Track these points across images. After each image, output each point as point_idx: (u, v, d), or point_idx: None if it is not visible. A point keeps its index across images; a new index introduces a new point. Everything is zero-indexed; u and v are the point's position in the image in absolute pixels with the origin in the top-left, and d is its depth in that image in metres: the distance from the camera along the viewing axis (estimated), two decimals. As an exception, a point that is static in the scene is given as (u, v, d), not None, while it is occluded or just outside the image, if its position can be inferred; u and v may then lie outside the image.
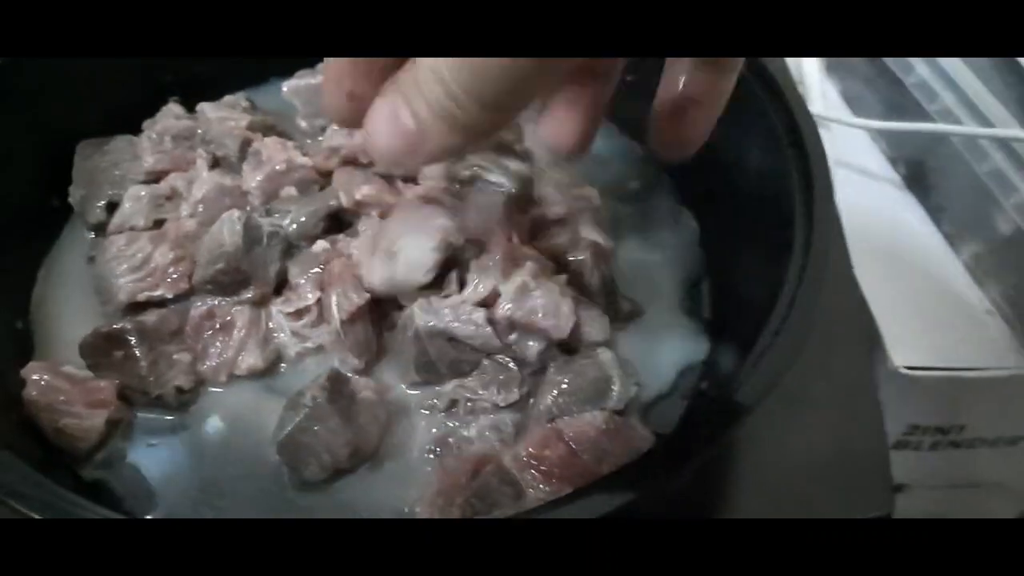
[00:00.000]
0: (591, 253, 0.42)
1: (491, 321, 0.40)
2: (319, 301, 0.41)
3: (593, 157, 0.51)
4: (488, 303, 0.40)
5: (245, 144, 0.48)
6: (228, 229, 0.41)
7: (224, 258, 0.40)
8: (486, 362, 0.40)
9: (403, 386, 0.41)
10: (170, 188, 0.47)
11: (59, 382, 0.38)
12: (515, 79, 0.26)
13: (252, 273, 0.41)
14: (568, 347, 0.41)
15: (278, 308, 0.42)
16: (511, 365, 0.40)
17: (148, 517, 0.37)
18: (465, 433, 0.39)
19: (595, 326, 0.41)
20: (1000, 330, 0.55)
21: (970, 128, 0.58)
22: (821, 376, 0.47)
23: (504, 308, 0.39)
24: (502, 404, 0.40)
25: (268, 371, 0.41)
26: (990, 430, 0.56)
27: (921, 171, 0.63)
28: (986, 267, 0.58)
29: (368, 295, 0.40)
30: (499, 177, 0.42)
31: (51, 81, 0.47)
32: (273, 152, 0.46)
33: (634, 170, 0.52)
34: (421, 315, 0.39)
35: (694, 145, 0.37)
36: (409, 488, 0.38)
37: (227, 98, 0.51)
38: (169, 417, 0.40)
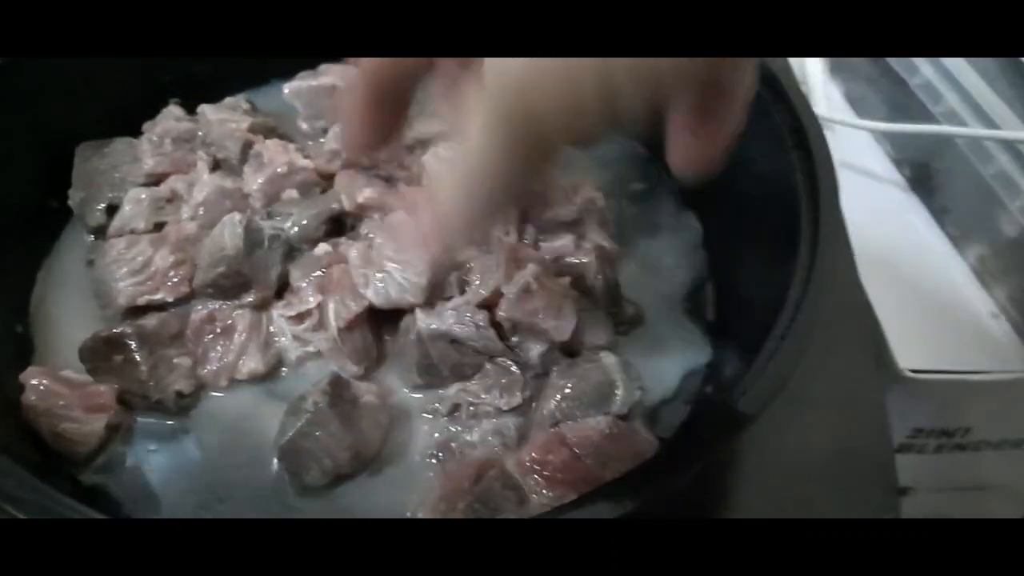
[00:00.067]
0: (596, 256, 0.42)
1: (493, 323, 0.39)
2: (320, 305, 0.41)
3: (596, 159, 0.51)
4: (490, 304, 0.40)
5: (246, 146, 0.47)
6: (229, 232, 0.40)
7: (225, 262, 0.40)
8: (489, 366, 0.40)
9: (405, 390, 0.41)
10: (170, 191, 0.46)
11: (58, 387, 0.38)
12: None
13: (253, 277, 0.41)
14: (571, 351, 0.41)
15: (279, 312, 0.41)
16: (513, 368, 0.40)
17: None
18: (468, 438, 0.39)
19: (598, 330, 0.41)
20: (1005, 333, 0.55)
21: (975, 130, 0.58)
22: (825, 379, 0.47)
23: (505, 309, 0.39)
24: (505, 408, 0.40)
25: (269, 375, 0.41)
26: (995, 433, 0.56)
27: (926, 173, 0.62)
28: (991, 269, 0.57)
29: (366, 302, 0.40)
30: None
31: (50, 82, 0.46)
32: (274, 154, 0.46)
33: (637, 172, 0.52)
34: (423, 318, 0.39)
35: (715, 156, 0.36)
36: (411, 493, 0.38)
37: (228, 100, 0.51)
38: (169, 422, 0.40)
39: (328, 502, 0.38)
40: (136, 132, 0.49)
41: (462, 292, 0.40)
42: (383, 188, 0.44)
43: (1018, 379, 0.53)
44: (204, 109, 0.49)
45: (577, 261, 0.42)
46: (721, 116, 0.32)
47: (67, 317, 0.44)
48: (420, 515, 0.37)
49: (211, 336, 0.41)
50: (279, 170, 0.45)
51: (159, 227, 0.45)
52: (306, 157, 0.47)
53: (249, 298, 0.41)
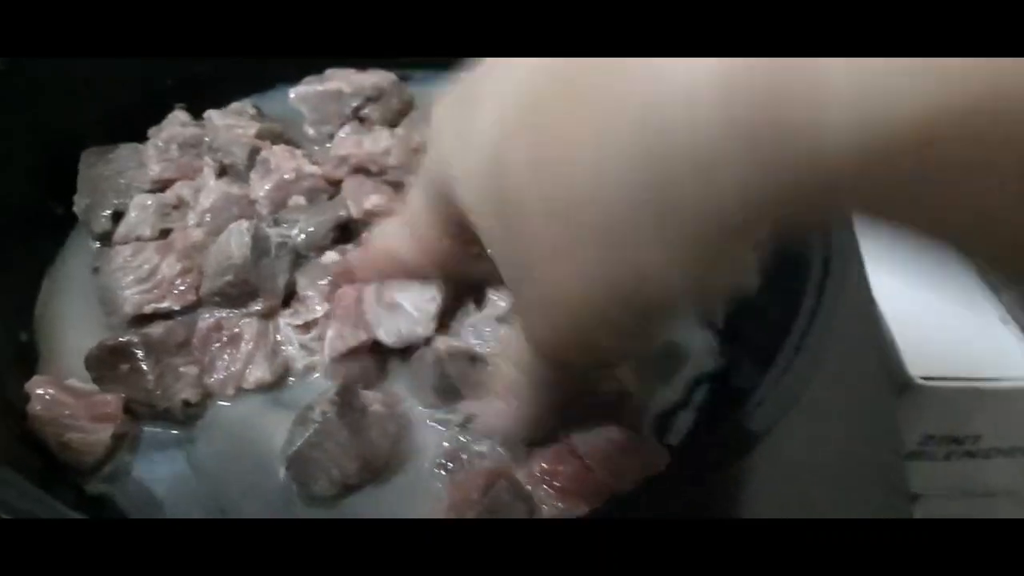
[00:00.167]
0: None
1: None
2: (326, 315, 0.40)
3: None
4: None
5: (253, 152, 0.47)
6: (236, 241, 0.40)
7: (232, 270, 0.40)
8: None
9: (416, 404, 0.40)
10: (176, 197, 0.46)
11: (64, 396, 0.38)
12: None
13: (260, 285, 0.41)
14: None
15: (286, 320, 0.41)
16: None
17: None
18: (476, 448, 0.38)
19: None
20: (1015, 339, 0.55)
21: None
22: (836, 385, 0.46)
23: None
24: None
25: (276, 384, 0.41)
26: (1005, 440, 0.56)
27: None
28: (1001, 276, 0.57)
29: (363, 336, 0.39)
30: None
31: (54, 88, 0.46)
32: (281, 160, 0.46)
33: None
34: (440, 339, 0.39)
35: None
36: (419, 503, 0.37)
37: (234, 105, 0.51)
38: (175, 431, 0.40)
39: (336, 512, 0.37)
40: (142, 138, 0.49)
41: (479, 306, 0.40)
42: (391, 195, 0.44)
43: (1028, 386, 0.52)
44: (210, 114, 0.49)
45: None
46: None
47: (72, 325, 0.44)
48: (429, 526, 0.36)
49: (218, 345, 0.40)
50: (286, 176, 0.45)
51: (165, 234, 0.45)
52: (313, 163, 0.47)
53: (256, 307, 0.41)
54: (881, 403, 0.49)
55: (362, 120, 0.51)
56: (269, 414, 0.40)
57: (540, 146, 0.24)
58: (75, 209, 0.47)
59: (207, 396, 0.40)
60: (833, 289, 0.37)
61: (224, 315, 0.41)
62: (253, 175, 0.46)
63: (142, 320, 0.41)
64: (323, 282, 0.41)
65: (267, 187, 0.45)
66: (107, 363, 0.39)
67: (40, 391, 0.38)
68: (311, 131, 0.51)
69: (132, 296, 0.41)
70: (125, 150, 0.48)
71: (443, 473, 0.38)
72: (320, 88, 0.51)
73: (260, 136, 0.48)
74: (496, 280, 0.36)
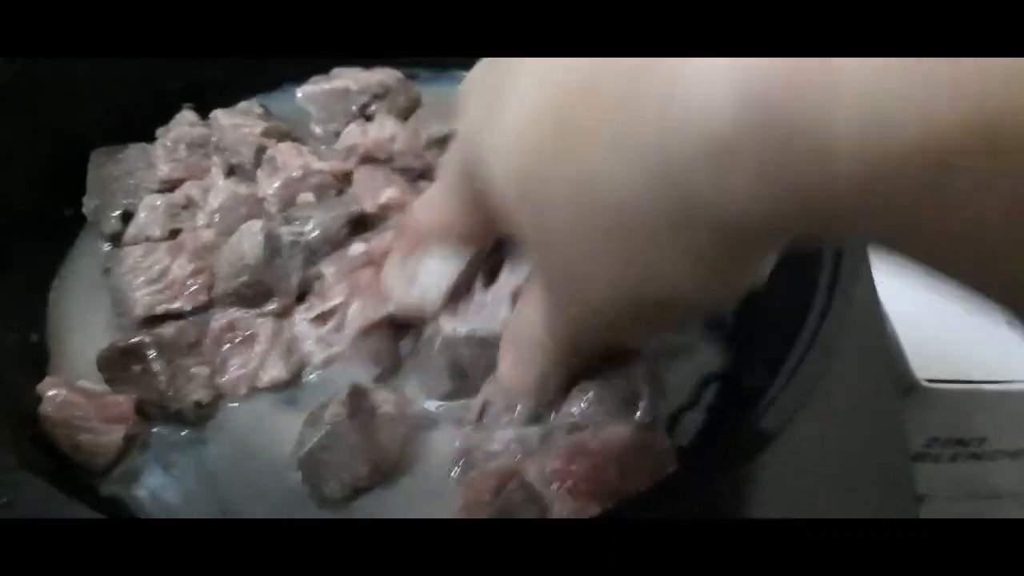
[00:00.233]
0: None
1: None
2: (344, 304, 0.40)
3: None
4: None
5: (259, 151, 0.47)
6: (248, 241, 0.40)
7: (247, 271, 0.40)
8: None
9: (425, 400, 0.40)
10: (185, 197, 0.46)
11: (76, 397, 0.38)
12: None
13: (273, 285, 0.41)
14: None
15: (301, 316, 0.41)
16: None
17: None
18: (488, 447, 0.38)
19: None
20: (1021, 343, 0.55)
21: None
22: (842, 388, 0.46)
23: None
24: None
25: (289, 384, 0.41)
26: (1011, 442, 0.56)
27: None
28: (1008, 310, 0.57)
29: (389, 310, 0.40)
30: None
31: (61, 89, 0.46)
32: (288, 158, 0.46)
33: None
34: (448, 323, 0.38)
35: None
36: (431, 504, 0.37)
37: (241, 104, 0.51)
38: (187, 432, 0.40)
39: (347, 514, 0.37)
40: (149, 138, 0.49)
41: (491, 281, 0.39)
42: (403, 187, 0.44)
43: (1034, 389, 0.52)
44: (217, 114, 0.49)
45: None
46: None
47: (82, 326, 0.44)
48: (441, 527, 0.36)
49: (230, 345, 0.40)
50: (294, 174, 0.45)
51: (175, 234, 0.45)
52: (320, 160, 0.47)
53: (271, 306, 0.41)
54: (887, 405, 0.49)
55: (369, 119, 0.51)
56: (280, 415, 0.40)
57: (565, 142, 0.24)
58: (84, 210, 0.47)
59: (219, 397, 0.40)
60: (844, 288, 0.37)
61: (237, 315, 0.41)
62: (260, 173, 0.46)
63: (153, 321, 0.41)
64: (350, 273, 0.41)
65: (275, 185, 0.45)
66: (119, 364, 0.39)
67: (52, 392, 0.38)
68: (318, 130, 0.51)
69: (143, 297, 0.41)
70: (134, 150, 0.48)
71: (454, 474, 0.38)
72: (327, 87, 0.51)
73: (266, 135, 0.48)
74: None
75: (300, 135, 0.51)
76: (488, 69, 0.30)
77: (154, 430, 0.40)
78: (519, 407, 0.38)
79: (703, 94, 0.21)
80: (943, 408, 0.52)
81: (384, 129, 0.48)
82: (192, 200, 0.46)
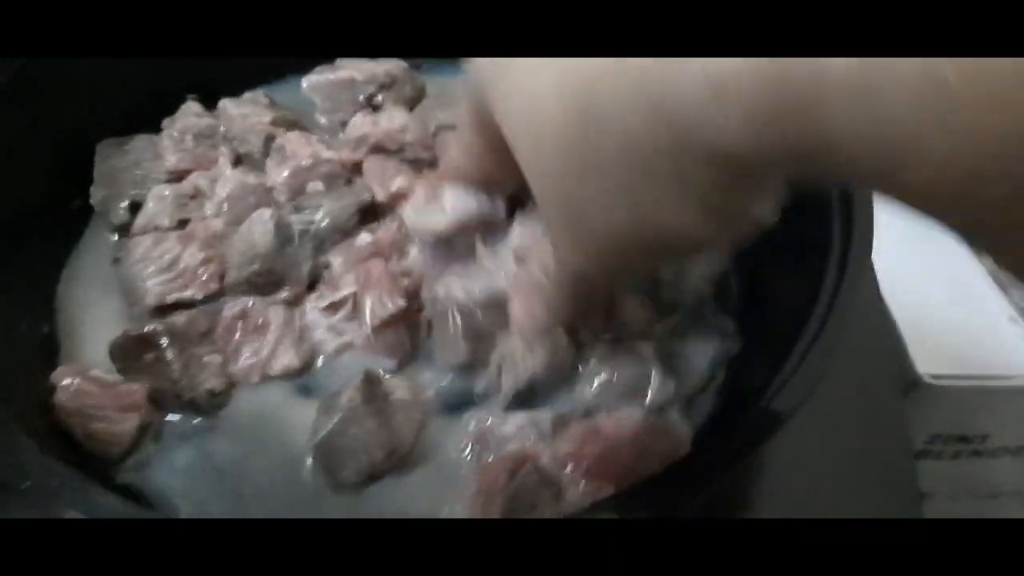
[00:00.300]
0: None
1: None
2: (355, 295, 0.41)
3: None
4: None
5: (268, 140, 0.47)
6: (259, 229, 0.40)
7: (259, 259, 0.40)
8: None
9: (439, 384, 0.40)
10: (193, 187, 0.46)
11: (89, 386, 0.38)
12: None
13: (285, 273, 0.41)
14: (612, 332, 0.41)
15: (312, 304, 0.41)
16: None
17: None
18: (502, 430, 0.39)
19: (636, 312, 0.41)
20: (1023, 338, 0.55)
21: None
22: (845, 384, 0.46)
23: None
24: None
25: (301, 371, 0.41)
26: (1013, 439, 0.56)
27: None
28: (1009, 274, 0.57)
29: (402, 303, 0.40)
30: None
31: (67, 80, 0.46)
32: (297, 147, 0.46)
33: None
34: (458, 285, 0.38)
35: None
36: (446, 489, 0.38)
37: (247, 95, 0.51)
38: (200, 420, 0.40)
39: (362, 499, 0.37)
40: (155, 129, 0.49)
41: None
42: (414, 175, 0.44)
43: (1036, 385, 0.52)
44: (225, 104, 0.49)
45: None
46: None
47: (92, 316, 0.44)
48: (457, 510, 0.36)
49: (242, 333, 0.40)
50: (303, 163, 0.45)
51: (183, 224, 0.45)
52: (329, 148, 0.47)
53: (282, 294, 0.41)
54: (889, 401, 0.50)
55: (376, 108, 0.51)
56: (293, 403, 0.40)
57: (572, 80, 0.25)
58: (92, 201, 0.46)
59: (231, 385, 0.40)
60: (853, 272, 0.37)
61: (250, 303, 0.41)
62: (269, 163, 0.46)
63: (164, 310, 0.41)
64: (358, 263, 0.41)
65: (284, 174, 0.45)
66: (132, 353, 0.39)
67: (66, 382, 0.38)
68: (323, 120, 0.51)
69: (154, 286, 0.41)
70: (140, 141, 0.48)
71: (469, 458, 0.39)
72: (332, 77, 0.51)
73: (275, 124, 0.48)
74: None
75: (306, 125, 0.51)
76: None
77: (167, 418, 0.40)
78: (532, 356, 0.38)
79: (703, 64, 0.22)
80: (946, 404, 0.52)
81: (394, 120, 0.48)
82: (200, 190, 0.46)
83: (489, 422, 0.39)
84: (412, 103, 0.52)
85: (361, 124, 0.47)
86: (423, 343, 0.41)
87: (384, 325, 0.40)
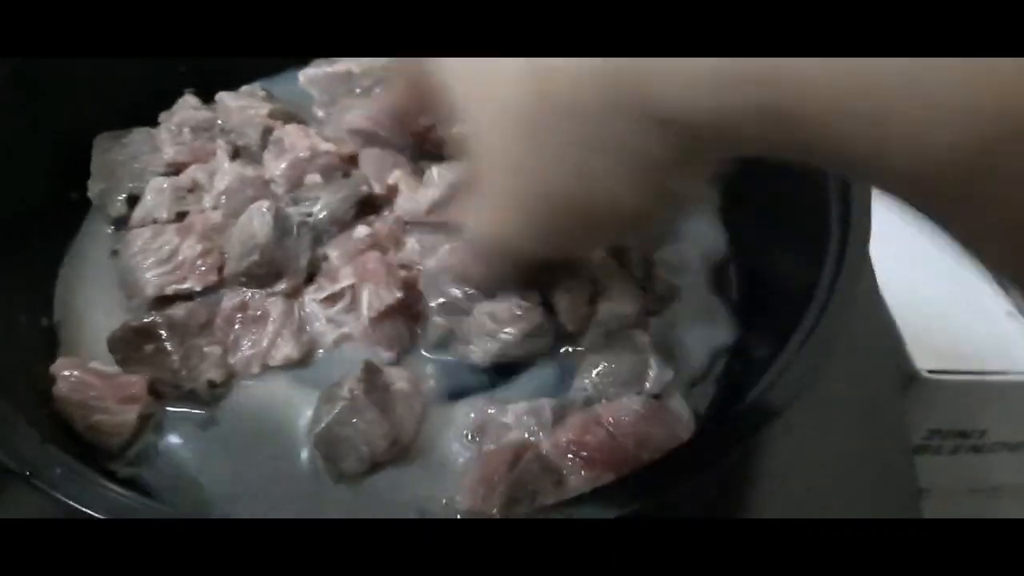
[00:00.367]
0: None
1: None
2: (353, 287, 0.41)
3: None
4: None
5: (266, 132, 0.47)
6: (258, 221, 0.40)
7: (258, 251, 0.40)
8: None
9: (439, 375, 0.41)
10: (191, 180, 0.46)
11: (89, 378, 0.38)
12: None
13: (284, 265, 0.41)
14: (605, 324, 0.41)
15: (311, 296, 0.41)
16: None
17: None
18: (502, 419, 0.39)
19: (627, 299, 0.41)
20: (1022, 333, 0.55)
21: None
22: (843, 379, 0.46)
23: None
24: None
25: (301, 362, 0.41)
26: (1012, 434, 0.56)
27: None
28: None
29: (399, 295, 0.40)
30: None
31: (65, 74, 0.46)
32: (296, 139, 0.46)
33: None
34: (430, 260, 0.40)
35: None
36: (447, 478, 0.38)
37: (244, 88, 0.51)
38: (200, 411, 0.40)
39: (363, 489, 0.38)
40: (152, 122, 0.49)
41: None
42: (411, 166, 0.44)
43: (1034, 380, 0.53)
44: (223, 96, 0.49)
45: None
46: None
47: (91, 309, 0.44)
48: (458, 499, 0.37)
49: (242, 324, 0.40)
50: (301, 155, 0.45)
51: (181, 216, 0.44)
52: (327, 140, 0.47)
53: (281, 286, 0.41)
54: (887, 396, 0.50)
55: (373, 101, 0.51)
56: (294, 393, 0.40)
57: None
58: (89, 194, 0.46)
59: (231, 376, 0.40)
60: (852, 259, 0.37)
61: (249, 295, 0.41)
62: (267, 155, 0.46)
63: (163, 302, 0.41)
64: (355, 255, 0.41)
65: (282, 166, 0.45)
66: (132, 344, 0.39)
67: (66, 373, 0.38)
68: (321, 113, 0.51)
69: (153, 278, 0.41)
70: (138, 135, 0.48)
71: (470, 447, 0.39)
72: (329, 70, 0.51)
73: (273, 116, 0.48)
74: None
75: (303, 118, 0.51)
76: None
77: (168, 409, 0.40)
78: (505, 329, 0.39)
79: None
80: (944, 399, 0.52)
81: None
82: (198, 183, 0.46)
83: (489, 412, 0.39)
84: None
85: (355, 116, 0.47)
86: (422, 335, 0.42)
87: (381, 316, 0.40)
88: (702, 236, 0.48)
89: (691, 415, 0.39)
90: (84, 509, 0.29)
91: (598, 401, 0.39)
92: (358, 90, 0.51)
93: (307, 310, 0.41)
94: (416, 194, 0.42)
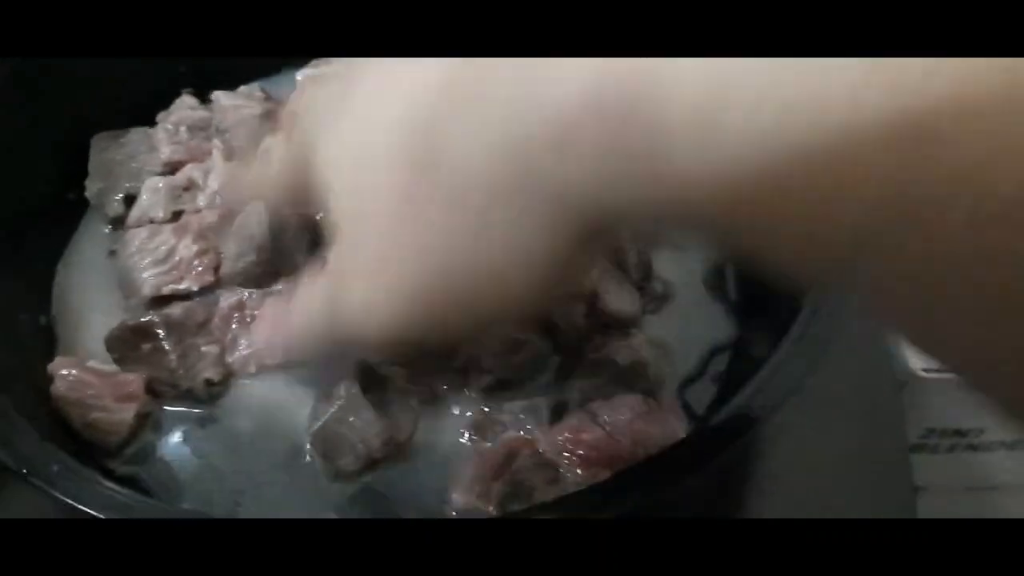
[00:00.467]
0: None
1: None
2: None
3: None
4: None
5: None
6: (255, 221, 0.40)
7: (255, 250, 0.40)
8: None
9: (436, 374, 0.41)
10: (187, 179, 0.46)
11: (87, 376, 0.38)
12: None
13: (280, 264, 0.41)
14: (601, 320, 0.41)
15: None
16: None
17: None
18: (499, 417, 0.39)
19: (624, 299, 0.41)
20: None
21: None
22: (839, 378, 0.46)
23: None
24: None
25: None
26: (1008, 433, 0.56)
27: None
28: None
29: None
30: None
31: (63, 73, 0.46)
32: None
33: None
34: None
35: None
36: (444, 475, 0.38)
37: (242, 88, 0.51)
38: (197, 410, 0.40)
39: (361, 487, 0.38)
40: (150, 122, 0.49)
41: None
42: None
43: (1032, 377, 0.52)
44: (218, 96, 0.49)
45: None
46: None
47: (89, 308, 0.44)
48: (455, 496, 0.37)
49: (239, 324, 0.41)
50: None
51: (177, 216, 0.45)
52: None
53: (278, 286, 0.41)
54: (884, 395, 0.50)
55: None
56: (291, 392, 0.40)
57: (426, 139, 0.25)
58: (87, 194, 0.47)
59: (229, 375, 0.40)
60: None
61: (245, 295, 0.41)
62: (263, 156, 0.46)
63: (160, 301, 0.41)
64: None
65: (278, 166, 0.45)
66: (129, 343, 0.39)
67: (64, 372, 0.38)
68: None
69: (150, 278, 0.41)
70: (136, 134, 0.48)
71: (466, 445, 0.39)
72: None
73: (268, 116, 0.48)
74: None
75: (300, 118, 0.51)
76: (330, 91, 0.31)
77: (166, 408, 0.40)
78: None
79: (553, 77, 0.22)
80: (940, 398, 0.52)
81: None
82: (194, 182, 0.46)
83: (486, 410, 0.39)
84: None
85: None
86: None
87: None
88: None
89: (684, 416, 0.39)
90: (82, 507, 0.29)
91: (595, 399, 0.39)
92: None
93: (304, 308, 0.41)
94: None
